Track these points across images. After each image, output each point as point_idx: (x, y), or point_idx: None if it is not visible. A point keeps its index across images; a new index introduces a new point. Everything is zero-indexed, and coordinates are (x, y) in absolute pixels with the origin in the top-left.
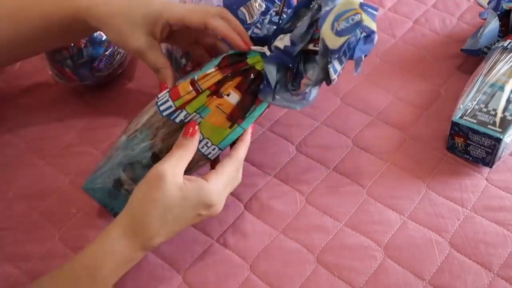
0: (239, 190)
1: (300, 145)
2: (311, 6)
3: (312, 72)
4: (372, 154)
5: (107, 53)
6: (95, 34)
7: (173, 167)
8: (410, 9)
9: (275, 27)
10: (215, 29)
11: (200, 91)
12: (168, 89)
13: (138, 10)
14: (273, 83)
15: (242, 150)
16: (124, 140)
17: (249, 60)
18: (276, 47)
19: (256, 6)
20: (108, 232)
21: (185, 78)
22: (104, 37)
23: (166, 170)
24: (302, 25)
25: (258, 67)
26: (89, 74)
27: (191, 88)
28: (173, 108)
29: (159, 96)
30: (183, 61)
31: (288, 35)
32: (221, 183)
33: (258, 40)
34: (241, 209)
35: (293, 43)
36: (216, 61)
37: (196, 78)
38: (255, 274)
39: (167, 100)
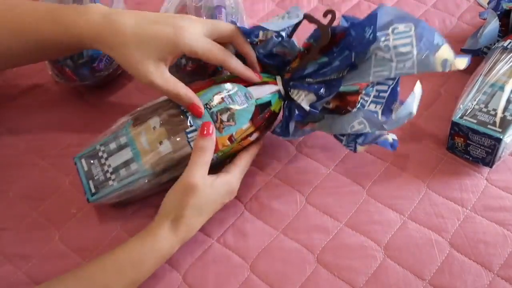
0: (239, 190)
1: (300, 145)
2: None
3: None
4: (372, 154)
5: None
6: None
7: (202, 173)
8: (410, 9)
9: (277, 38)
10: (232, 71)
11: (234, 141)
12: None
13: (149, 44)
14: (291, 132)
15: (255, 146)
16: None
17: (273, 108)
18: (300, 106)
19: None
20: (153, 231)
21: (220, 133)
22: None
23: (197, 181)
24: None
25: (276, 110)
26: (89, 74)
27: (228, 143)
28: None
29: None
30: (183, 61)
31: (311, 95)
32: (240, 173)
33: (264, 59)
34: (241, 209)
35: (315, 107)
36: (248, 113)
37: (234, 134)
38: (255, 274)
39: None
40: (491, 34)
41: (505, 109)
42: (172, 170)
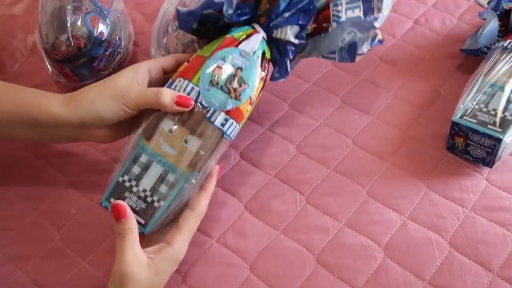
0: (240, 190)
1: (300, 145)
2: None
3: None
4: (372, 154)
5: (107, 53)
6: (95, 34)
7: (132, 257)
8: (410, 9)
9: None
10: (166, 109)
11: (253, 103)
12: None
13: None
14: (290, 72)
15: (203, 202)
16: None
17: (267, 55)
18: (290, 42)
19: None
20: None
21: (239, 101)
22: (104, 37)
23: (130, 268)
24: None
25: (268, 57)
26: (89, 74)
27: (250, 107)
28: (238, 128)
29: (225, 130)
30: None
31: (294, 27)
32: (185, 239)
33: (234, 17)
34: (241, 209)
35: (301, 37)
36: (253, 70)
37: (252, 96)
38: (255, 274)
39: (233, 124)
40: (491, 34)
41: (505, 109)
42: (215, 154)
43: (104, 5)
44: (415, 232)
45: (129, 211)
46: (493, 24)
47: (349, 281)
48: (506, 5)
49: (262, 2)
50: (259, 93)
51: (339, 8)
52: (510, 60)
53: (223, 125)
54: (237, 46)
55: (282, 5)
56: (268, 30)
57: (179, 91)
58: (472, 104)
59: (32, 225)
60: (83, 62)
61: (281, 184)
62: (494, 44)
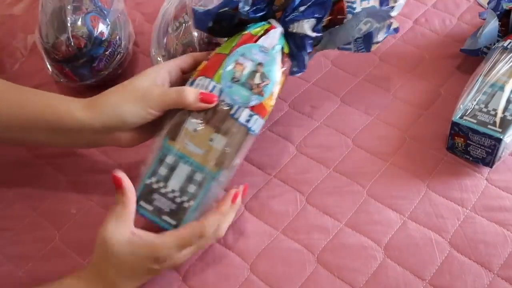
0: None
1: (300, 145)
2: None
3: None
4: (372, 154)
5: (107, 53)
6: (95, 34)
7: (114, 227)
8: (410, 9)
9: None
10: (190, 107)
11: (276, 97)
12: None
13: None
14: (307, 66)
15: (211, 220)
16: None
17: (285, 50)
18: (307, 36)
19: None
20: (70, 283)
21: (262, 96)
22: (104, 37)
23: (108, 235)
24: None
25: (286, 51)
26: (89, 74)
27: (272, 102)
28: (263, 123)
29: (250, 127)
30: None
31: (311, 20)
32: (172, 243)
33: (251, 13)
34: (241, 209)
35: (318, 30)
36: (274, 65)
37: (273, 91)
38: (255, 274)
39: (258, 120)
40: (491, 34)
41: (505, 109)
42: (241, 151)
43: (104, 5)
44: (415, 232)
45: (127, 185)
46: (493, 24)
47: (349, 281)
48: (506, 5)
49: None
50: (281, 87)
51: (352, 0)
52: (510, 60)
53: (247, 121)
54: (255, 42)
55: None
56: (285, 25)
57: (206, 85)
58: (472, 104)
59: (32, 225)
60: (83, 62)
61: (281, 184)
62: (494, 44)
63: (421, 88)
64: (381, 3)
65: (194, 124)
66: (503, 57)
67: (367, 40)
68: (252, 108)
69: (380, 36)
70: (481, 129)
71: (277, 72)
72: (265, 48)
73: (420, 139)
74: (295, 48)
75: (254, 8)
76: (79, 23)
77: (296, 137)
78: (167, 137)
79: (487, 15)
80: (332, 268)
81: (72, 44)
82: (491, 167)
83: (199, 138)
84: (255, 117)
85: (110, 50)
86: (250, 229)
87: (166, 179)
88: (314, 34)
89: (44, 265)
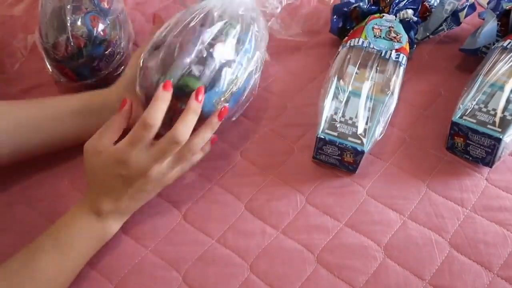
0: (239, 190)
1: (300, 145)
2: None
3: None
4: (372, 154)
5: (106, 53)
6: (95, 33)
7: (95, 140)
8: None
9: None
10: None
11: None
12: None
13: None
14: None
15: (180, 126)
16: None
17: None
18: (411, 19)
19: None
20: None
21: (401, 43)
22: (104, 37)
23: (87, 146)
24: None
25: None
26: (89, 74)
27: (408, 47)
28: (406, 58)
29: (400, 60)
30: None
31: (410, 10)
32: (126, 140)
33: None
34: (241, 209)
35: (417, 16)
36: (401, 27)
37: (407, 41)
38: (255, 274)
39: (403, 56)
40: (489, 34)
41: (505, 109)
42: (395, 79)
43: (104, 5)
44: (415, 232)
45: (127, 109)
46: (492, 24)
47: (349, 281)
48: (505, 5)
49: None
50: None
51: (432, 1)
52: (510, 60)
53: (397, 57)
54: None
55: None
56: (394, 14)
57: (357, 42)
58: (472, 104)
59: (32, 225)
60: (83, 62)
61: (281, 184)
62: (494, 44)
63: (421, 88)
64: None
65: (353, 69)
66: (502, 57)
67: (455, 16)
68: (397, 50)
69: (465, 10)
70: (481, 129)
71: (403, 31)
72: (389, 19)
73: (420, 139)
74: (405, 31)
75: (370, 5)
76: (79, 23)
77: (296, 137)
78: (336, 77)
79: (486, 15)
80: (332, 268)
81: (72, 44)
82: (491, 167)
83: (360, 77)
84: (402, 55)
85: (110, 50)
86: (250, 229)
87: (343, 111)
88: (415, 18)
89: None
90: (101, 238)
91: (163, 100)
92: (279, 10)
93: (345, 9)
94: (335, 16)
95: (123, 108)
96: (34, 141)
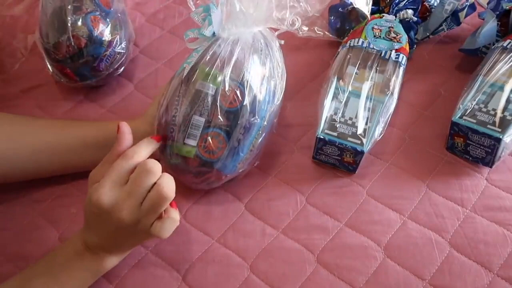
0: (239, 190)
1: (300, 145)
2: None
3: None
4: (372, 154)
5: (107, 53)
6: (96, 34)
7: (95, 170)
8: None
9: None
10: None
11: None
12: None
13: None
14: (414, 48)
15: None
16: None
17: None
18: (411, 19)
19: None
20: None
21: (401, 43)
22: (105, 37)
23: (90, 174)
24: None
25: None
26: (89, 74)
27: (408, 47)
28: (406, 59)
29: (400, 61)
30: None
31: (409, 11)
32: (104, 182)
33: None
34: (241, 209)
35: (417, 16)
36: (402, 28)
37: (407, 42)
38: (255, 274)
39: (403, 57)
40: (489, 34)
41: (505, 109)
42: (395, 79)
43: (105, 5)
44: (415, 232)
45: (123, 129)
46: (491, 24)
47: (349, 281)
48: (505, 5)
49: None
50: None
51: (432, 1)
52: (510, 60)
53: (397, 58)
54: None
55: None
56: (394, 14)
57: (357, 42)
58: (472, 104)
59: (32, 225)
60: (83, 62)
61: (281, 184)
62: (494, 44)
63: (421, 88)
64: None
65: (353, 69)
66: (502, 57)
67: (454, 16)
68: (397, 50)
69: (464, 10)
70: (481, 129)
71: (403, 31)
72: (389, 18)
73: (420, 139)
74: (405, 31)
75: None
76: (79, 23)
77: (296, 137)
78: (336, 78)
79: (486, 15)
80: (332, 268)
81: (73, 44)
82: (490, 167)
83: (359, 77)
84: (401, 55)
85: (110, 50)
86: (250, 229)
87: (342, 111)
88: (415, 18)
89: None
90: (95, 270)
91: (149, 143)
92: (296, 26)
93: (341, 9)
94: (332, 17)
95: (118, 132)
96: (45, 165)
